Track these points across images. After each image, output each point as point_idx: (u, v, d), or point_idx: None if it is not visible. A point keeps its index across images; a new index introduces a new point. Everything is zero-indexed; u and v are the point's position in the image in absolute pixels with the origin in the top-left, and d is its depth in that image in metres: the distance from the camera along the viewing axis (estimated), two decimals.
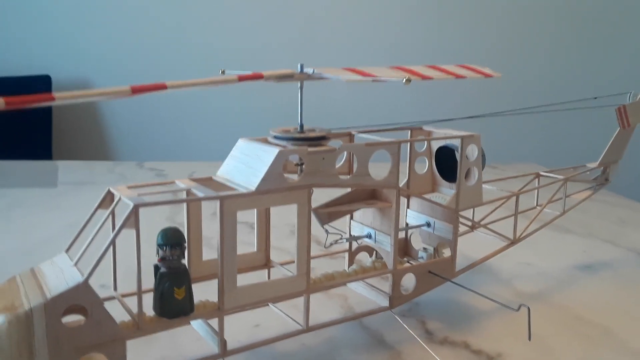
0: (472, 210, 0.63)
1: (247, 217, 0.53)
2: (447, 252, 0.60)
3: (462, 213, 0.58)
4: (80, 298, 0.38)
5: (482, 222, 0.64)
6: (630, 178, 1.81)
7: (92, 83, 2.07)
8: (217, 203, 0.43)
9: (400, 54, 1.95)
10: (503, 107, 0.71)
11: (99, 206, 0.45)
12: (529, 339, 0.50)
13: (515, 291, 0.68)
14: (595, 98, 0.72)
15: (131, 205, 0.40)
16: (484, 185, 0.61)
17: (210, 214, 0.53)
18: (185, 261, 0.44)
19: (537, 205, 0.71)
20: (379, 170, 0.52)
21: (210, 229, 0.52)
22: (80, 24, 2.00)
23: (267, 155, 0.45)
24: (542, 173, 0.71)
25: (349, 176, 0.51)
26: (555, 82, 1.97)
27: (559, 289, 0.69)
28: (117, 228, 0.40)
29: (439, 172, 0.63)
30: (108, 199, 0.45)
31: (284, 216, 0.57)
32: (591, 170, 0.75)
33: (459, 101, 1.83)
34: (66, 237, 0.45)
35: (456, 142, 0.58)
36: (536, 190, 0.71)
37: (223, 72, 0.49)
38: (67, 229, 0.89)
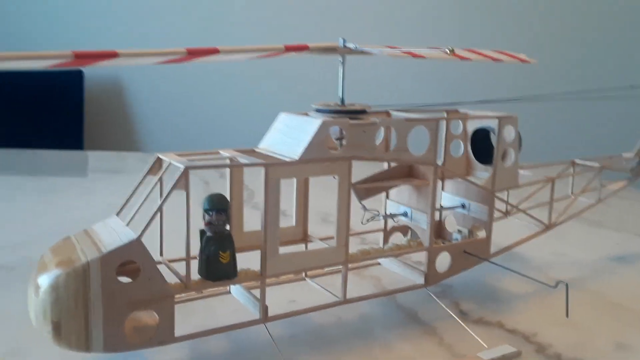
0: (507, 195, 0.63)
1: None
2: (481, 235, 0.60)
3: (497, 196, 0.59)
4: (134, 254, 0.39)
5: (516, 208, 0.64)
6: None
7: (122, 79, 2.12)
8: (262, 173, 0.44)
9: (433, 38, 1.93)
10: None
11: (148, 172, 0.46)
12: (567, 315, 0.50)
13: (549, 278, 0.68)
14: (632, 86, 0.72)
15: (182, 167, 0.41)
16: (519, 171, 0.62)
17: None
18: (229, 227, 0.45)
19: (571, 193, 0.71)
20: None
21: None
22: (113, 21, 2.05)
23: (310, 126, 0.46)
24: (577, 161, 0.71)
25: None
26: (590, 71, 1.92)
27: (594, 278, 0.69)
28: (168, 189, 0.41)
29: (474, 155, 0.63)
30: (156, 166, 0.46)
31: (315, 204, 0.58)
32: (627, 160, 0.74)
33: (493, 89, 1.80)
34: (104, 216, 0.46)
35: (492, 124, 0.58)
36: (571, 178, 0.70)
37: None
38: (105, 209, 0.92)
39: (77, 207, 0.96)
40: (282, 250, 0.47)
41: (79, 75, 2.04)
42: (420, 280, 0.55)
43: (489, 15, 1.93)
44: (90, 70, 2.04)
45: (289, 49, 0.45)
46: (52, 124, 1.94)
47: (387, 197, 0.60)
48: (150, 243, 0.42)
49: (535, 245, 0.72)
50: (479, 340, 0.50)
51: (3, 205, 0.97)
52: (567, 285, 0.48)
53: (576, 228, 0.88)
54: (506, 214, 0.65)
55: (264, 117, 0.59)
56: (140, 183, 0.46)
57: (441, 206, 0.63)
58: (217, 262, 0.44)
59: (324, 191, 0.49)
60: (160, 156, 0.46)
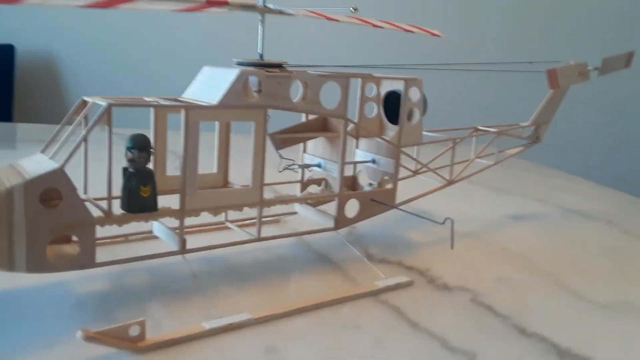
0: (416, 154, 0.70)
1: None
2: (389, 186, 0.67)
3: (405, 153, 0.65)
4: (56, 182, 0.42)
5: (424, 166, 0.71)
6: (566, 153, 1.94)
7: (55, 54, 2.07)
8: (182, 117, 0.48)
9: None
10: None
11: (72, 113, 0.49)
12: (452, 247, 0.57)
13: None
14: (531, 62, 0.80)
15: (105, 104, 0.44)
16: (427, 134, 0.69)
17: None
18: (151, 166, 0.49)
19: (473, 155, 0.79)
20: None
21: None
22: None
23: (229, 75, 0.51)
24: (479, 127, 0.79)
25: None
26: (504, 52, 2.05)
27: (490, 230, 0.77)
28: (89, 124, 0.44)
29: (386, 116, 0.70)
30: (81, 107, 0.49)
31: (243, 174, 0.62)
32: (523, 127, 0.83)
33: (409, 59, 1.88)
34: None
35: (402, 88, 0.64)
36: (473, 142, 0.78)
37: None
38: None
39: None
40: None
41: (10, 49, 1.98)
42: (331, 223, 0.61)
43: None
44: (22, 46, 1.98)
45: (209, 2, 0.49)
46: None
47: (304, 151, 0.65)
48: (76, 183, 0.45)
49: (445, 206, 0.79)
50: (379, 273, 0.56)
51: None
52: (452, 220, 0.55)
53: (482, 193, 0.97)
54: (415, 172, 0.72)
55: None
56: (64, 123, 0.49)
57: (354, 161, 0.69)
58: (138, 196, 0.47)
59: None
60: (85, 98, 0.49)
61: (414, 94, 0.65)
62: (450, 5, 2.03)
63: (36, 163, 0.45)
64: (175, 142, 0.54)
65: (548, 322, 0.51)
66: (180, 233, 0.50)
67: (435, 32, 0.73)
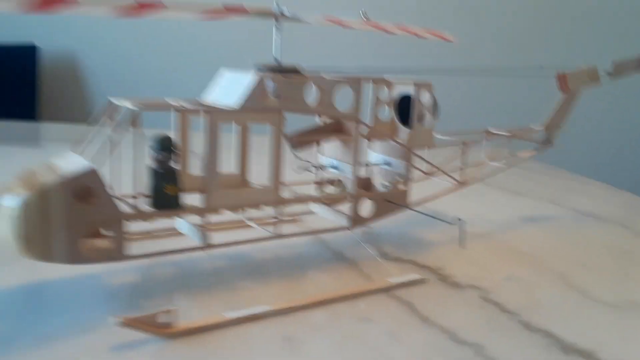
0: (427, 157, 0.72)
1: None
2: (402, 187, 0.69)
3: (418, 155, 0.67)
4: (90, 180, 0.46)
5: (436, 169, 0.73)
6: (581, 155, 1.94)
7: (78, 54, 2.12)
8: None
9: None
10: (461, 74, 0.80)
11: (102, 115, 0.52)
12: (462, 246, 0.59)
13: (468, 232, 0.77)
14: (541, 67, 0.82)
15: (134, 109, 0.47)
16: (439, 137, 0.71)
17: None
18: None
19: (485, 157, 0.80)
20: None
21: None
22: None
23: (247, 79, 0.53)
24: (491, 130, 0.81)
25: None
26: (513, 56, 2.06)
27: (503, 231, 0.79)
28: (119, 126, 0.47)
29: (400, 119, 0.72)
30: (109, 109, 0.52)
31: (261, 175, 0.65)
32: (536, 131, 0.84)
33: (422, 61, 1.89)
34: None
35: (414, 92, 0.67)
36: (484, 144, 0.80)
37: None
38: None
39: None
40: None
41: (32, 49, 2.04)
42: (346, 223, 0.63)
43: None
44: (44, 45, 2.04)
45: (228, 9, 0.51)
46: (4, 94, 1.94)
47: (320, 152, 0.68)
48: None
49: (459, 207, 0.81)
50: (393, 270, 0.59)
51: None
52: (462, 221, 0.57)
53: (495, 195, 0.99)
54: (427, 174, 0.74)
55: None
56: (94, 124, 0.52)
57: (368, 163, 0.71)
58: (163, 193, 0.50)
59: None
60: (113, 100, 0.52)
61: (425, 97, 0.67)
62: (450, 5, 2.04)
63: (70, 162, 0.48)
64: (196, 143, 0.57)
65: (555, 318, 0.53)
66: (203, 229, 0.53)
67: (448, 37, 0.75)
